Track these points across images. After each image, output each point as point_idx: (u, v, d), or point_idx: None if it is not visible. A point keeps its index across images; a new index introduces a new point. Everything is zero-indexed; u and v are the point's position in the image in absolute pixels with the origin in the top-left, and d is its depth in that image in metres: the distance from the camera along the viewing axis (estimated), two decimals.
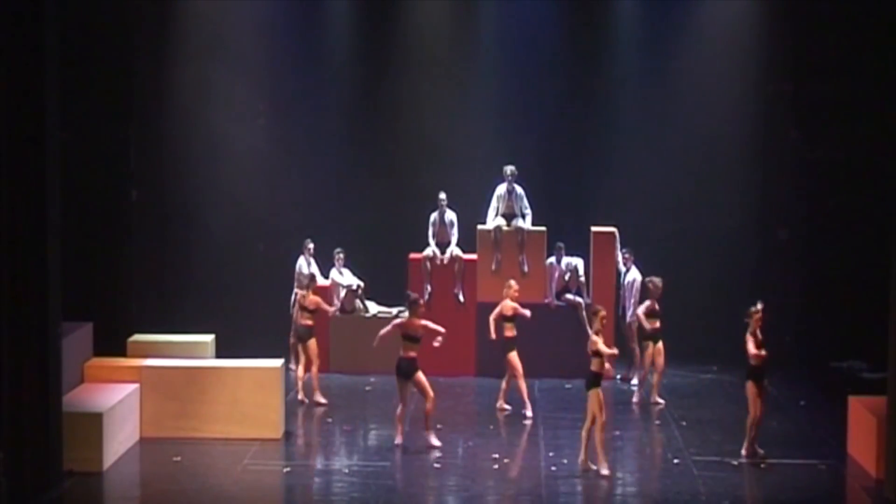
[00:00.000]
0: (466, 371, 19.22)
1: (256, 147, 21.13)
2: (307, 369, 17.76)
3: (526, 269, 19.35)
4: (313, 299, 17.82)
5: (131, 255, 20.45)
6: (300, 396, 17.72)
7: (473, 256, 19.50)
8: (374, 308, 19.64)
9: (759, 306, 15.29)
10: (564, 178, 21.10)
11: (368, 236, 20.88)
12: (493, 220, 19.56)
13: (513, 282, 17.62)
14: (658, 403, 17.79)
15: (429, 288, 19.34)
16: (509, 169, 19.39)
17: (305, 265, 19.13)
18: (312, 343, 17.80)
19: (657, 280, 17.98)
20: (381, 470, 14.85)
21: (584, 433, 14.76)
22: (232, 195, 21.02)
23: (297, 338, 18.09)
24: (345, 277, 19.57)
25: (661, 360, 17.86)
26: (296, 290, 18.67)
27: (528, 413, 17.07)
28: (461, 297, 19.38)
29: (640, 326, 18.12)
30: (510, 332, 17.28)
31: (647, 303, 17.94)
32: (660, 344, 17.86)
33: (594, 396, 14.64)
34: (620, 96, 21.21)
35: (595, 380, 14.67)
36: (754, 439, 15.35)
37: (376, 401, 17.86)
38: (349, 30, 21.33)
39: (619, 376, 19.02)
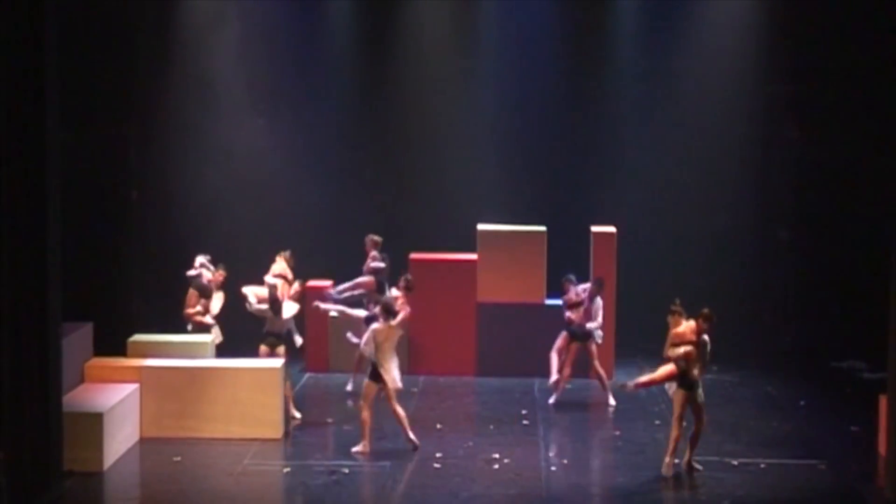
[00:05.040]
0: (466, 371, 19.22)
1: (256, 147, 21.13)
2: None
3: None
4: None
5: (131, 255, 20.46)
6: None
7: (473, 256, 19.47)
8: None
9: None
10: (564, 178, 21.11)
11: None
12: None
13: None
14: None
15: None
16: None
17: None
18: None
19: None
20: (381, 470, 14.85)
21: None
22: (232, 195, 21.02)
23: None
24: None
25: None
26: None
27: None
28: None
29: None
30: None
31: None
32: None
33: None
34: (620, 96, 21.23)
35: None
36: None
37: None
38: (349, 30, 21.35)
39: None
